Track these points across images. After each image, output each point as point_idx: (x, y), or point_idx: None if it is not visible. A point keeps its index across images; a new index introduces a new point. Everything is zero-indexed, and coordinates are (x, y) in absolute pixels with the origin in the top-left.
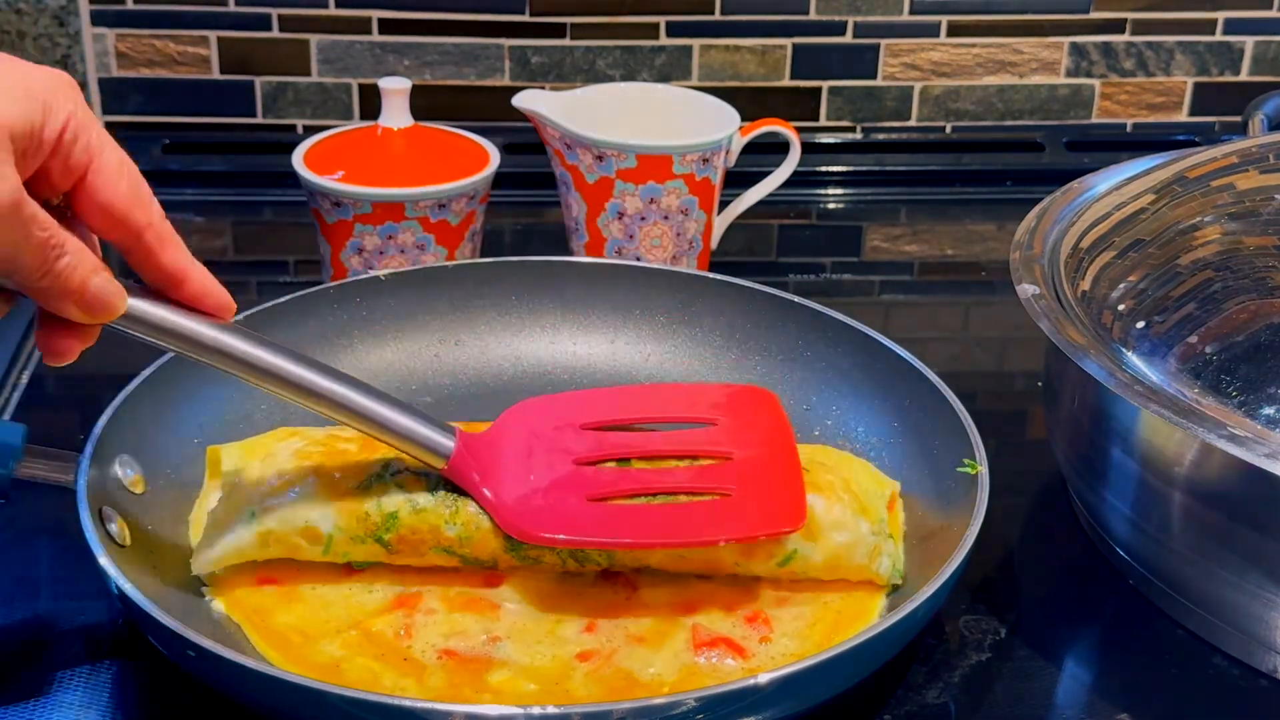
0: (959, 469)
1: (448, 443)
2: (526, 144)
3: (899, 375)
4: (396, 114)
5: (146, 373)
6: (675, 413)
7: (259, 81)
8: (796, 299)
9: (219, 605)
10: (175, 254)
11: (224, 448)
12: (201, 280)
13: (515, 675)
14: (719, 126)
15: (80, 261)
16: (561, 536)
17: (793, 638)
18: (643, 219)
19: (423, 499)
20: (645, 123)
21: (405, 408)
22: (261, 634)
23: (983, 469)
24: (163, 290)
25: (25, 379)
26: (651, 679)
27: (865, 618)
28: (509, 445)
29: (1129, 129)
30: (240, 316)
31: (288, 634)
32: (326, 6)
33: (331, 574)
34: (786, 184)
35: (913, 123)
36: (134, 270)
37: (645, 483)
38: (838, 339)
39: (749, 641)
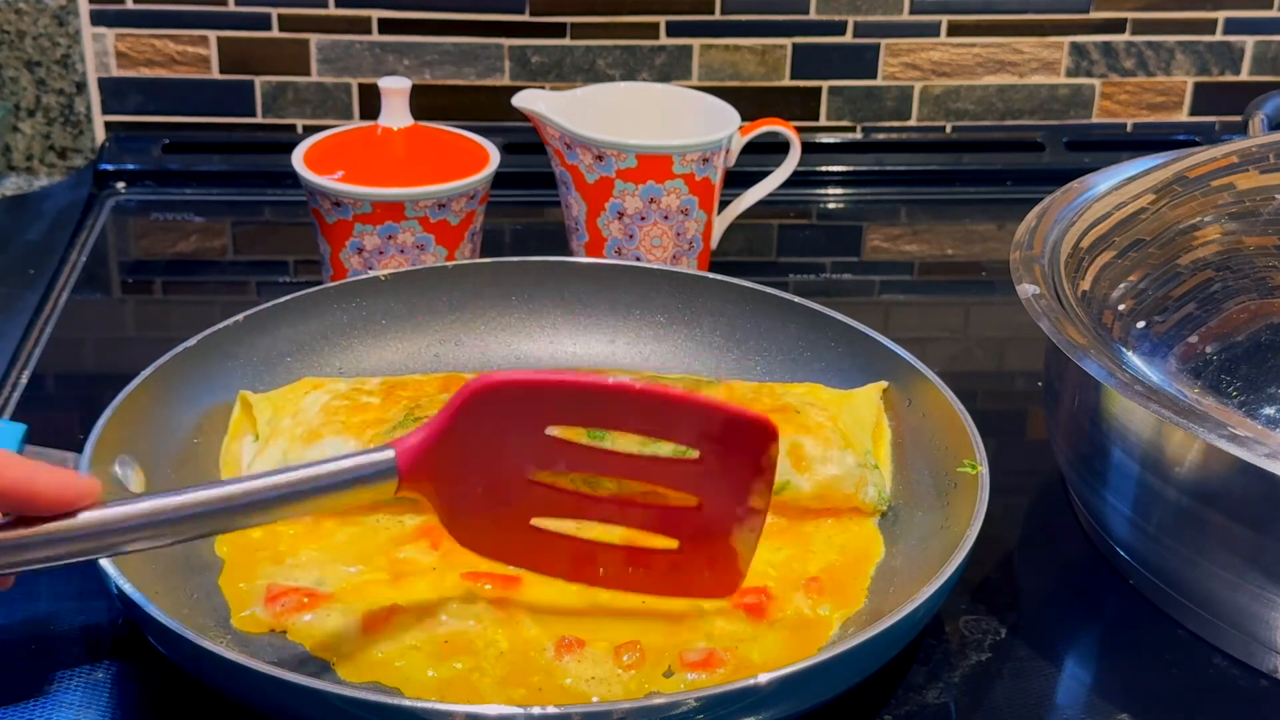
0: (959, 469)
1: (386, 457)
2: (526, 144)
3: (899, 375)
4: (396, 114)
5: (146, 373)
6: (660, 431)
7: (259, 81)
8: (796, 299)
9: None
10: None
11: (255, 399)
12: (51, 475)
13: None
14: (719, 126)
15: None
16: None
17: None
18: (643, 219)
19: None
20: (645, 123)
21: (321, 462)
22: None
23: (983, 469)
24: (18, 509)
25: (25, 379)
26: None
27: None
28: (461, 445)
29: (1129, 129)
30: (240, 316)
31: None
32: (326, 6)
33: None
34: (786, 184)
35: (913, 123)
36: None
37: (596, 515)
38: (838, 339)
39: None
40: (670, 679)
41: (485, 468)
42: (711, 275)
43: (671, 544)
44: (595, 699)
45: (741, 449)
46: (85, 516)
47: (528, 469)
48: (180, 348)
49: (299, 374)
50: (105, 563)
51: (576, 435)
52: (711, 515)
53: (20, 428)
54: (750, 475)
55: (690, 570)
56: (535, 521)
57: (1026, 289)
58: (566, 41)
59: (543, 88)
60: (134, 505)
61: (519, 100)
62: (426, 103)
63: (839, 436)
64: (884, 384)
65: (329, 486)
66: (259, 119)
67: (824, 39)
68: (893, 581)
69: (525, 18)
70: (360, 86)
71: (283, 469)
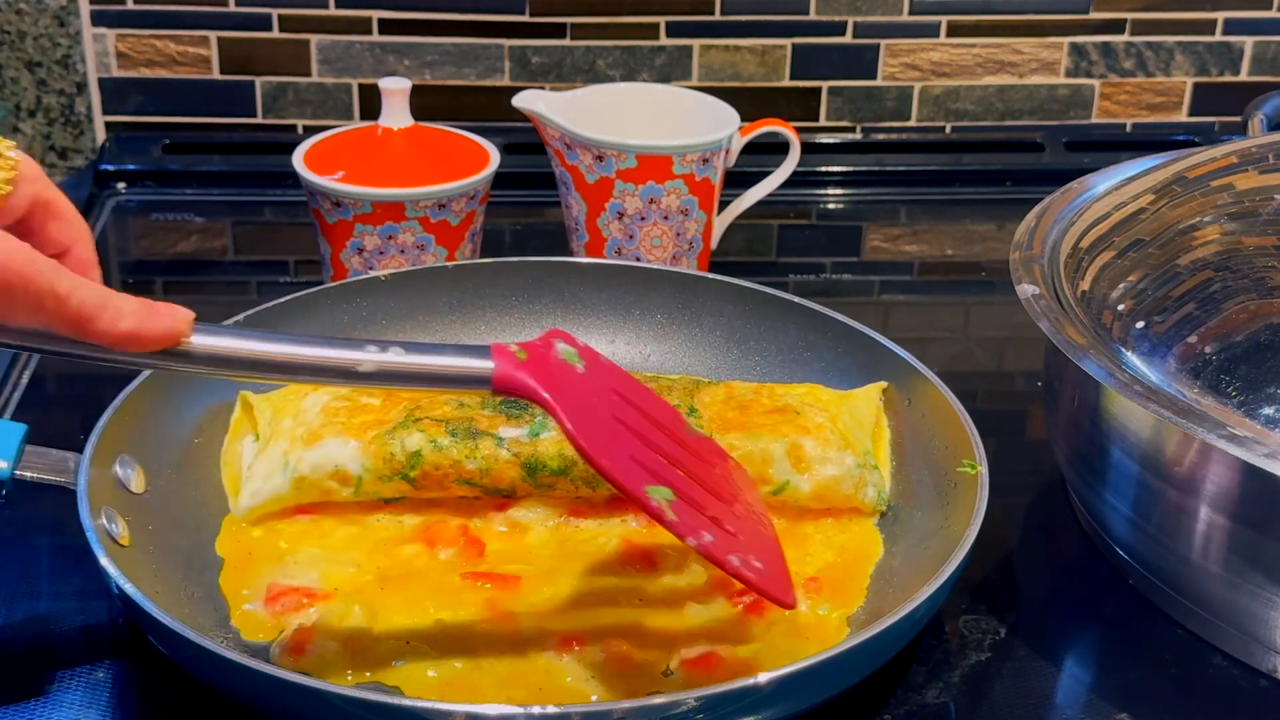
0: (959, 469)
1: (485, 364)
2: (526, 144)
3: (899, 375)
4: (396, 114)
5: (147, 373)
6: (683, 439)
7: (259, 81)
8: (796, 299)
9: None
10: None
11: (255, 399)
12: (138, 307)
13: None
14: (719, 126)
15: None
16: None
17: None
18: (643, 219)
19: (444, 440)
20: (645, 123)
21: (431, 349)
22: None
23: (983, 469)
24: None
25: (25, 379)
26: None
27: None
28: (565, 368)
29: (1129, 129)
30: (240, 316)
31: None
32: (326, 6)
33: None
34: (786, 184)
35: (913, 123)
36: None
37: (679, 489)
38: (838, 339)
39: None
40: (670, 678)
41: (579, 390)
42: (711, 275)
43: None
44: (594, 698)
45: (739, 476)
46: (197, 340)
47: (609, 412)
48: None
49: None
50: (105, 562)
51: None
52: (749, 518)
53: (20, 428)
54: (754, 496)
55: (758, 562)
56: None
57: (1026, 289)
58: (566, 42)
59: (543, 88)
60: (226, 340)
61: (519, 100)
62: (426, 103)
63: (838, 437)
64: (884, 384)
65: (429, 379)
66: (259, 119)
67: (824, 39)
68: (892, 581)
69: (525, 18)
70: (360, 87)
71: (396, 347)
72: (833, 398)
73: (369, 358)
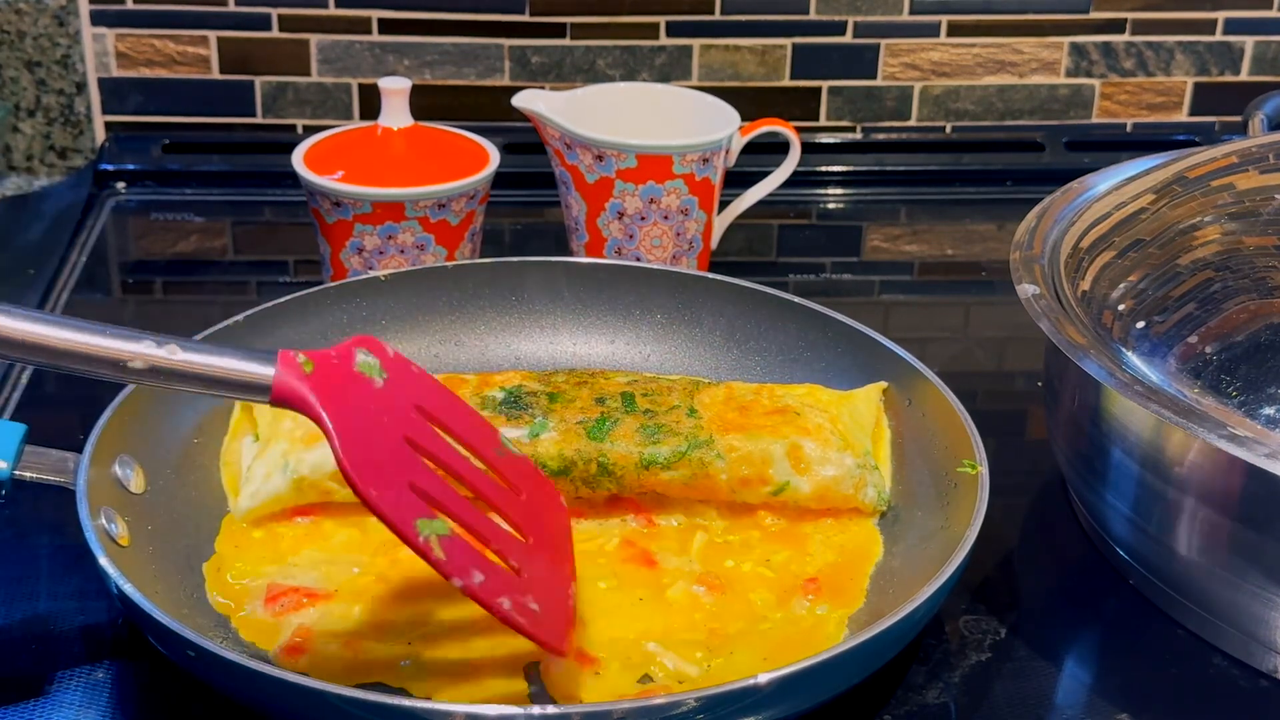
0: (959, 469)
1: (266, 370)
2: (526, 144)
3: (899, 375)
4: (396, 114)
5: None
6: (483, 445)
7: (259, 81)
8: (796, 299)
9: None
10: None
11: None
12: None
13: None
14: (719, 126)
15: None
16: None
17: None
18: (643, 219)
19: None
20: (645, 123)
21: (213, 349)
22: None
23: (983, 469)
24: None
25: (25, 379)
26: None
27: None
28: (358, 382)
29: (1129, 129)
30: (240, 316)
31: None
32: (326, 6)
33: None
34: (786, 184)
35: (913, 123)
36: None
37: (464, 519)
38: (838, 339)
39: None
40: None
41: (366, 408)
42: (711, 275)
43: (524, 540)
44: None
45: (542, 504)
46: None
47: (400, 432)
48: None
49: None
50: (105, 562)
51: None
52: (536, 553)
53: (20, 428)
54: (555, 528)
55: (536, 603)
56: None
57: (1026, 289)
58: (566, 42)
59: (543, 88)
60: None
61: (519, 100)
62: (426, 103)
63: (838, 438)
64: (884, 384)
65: (203, 381)
66: (259, 119)
67: (824, 39)
68: (892, 582)
69: (525, 18)
70: (360, 86)
71: (169, 340)
72: (833, 398)
73: (142, 352)
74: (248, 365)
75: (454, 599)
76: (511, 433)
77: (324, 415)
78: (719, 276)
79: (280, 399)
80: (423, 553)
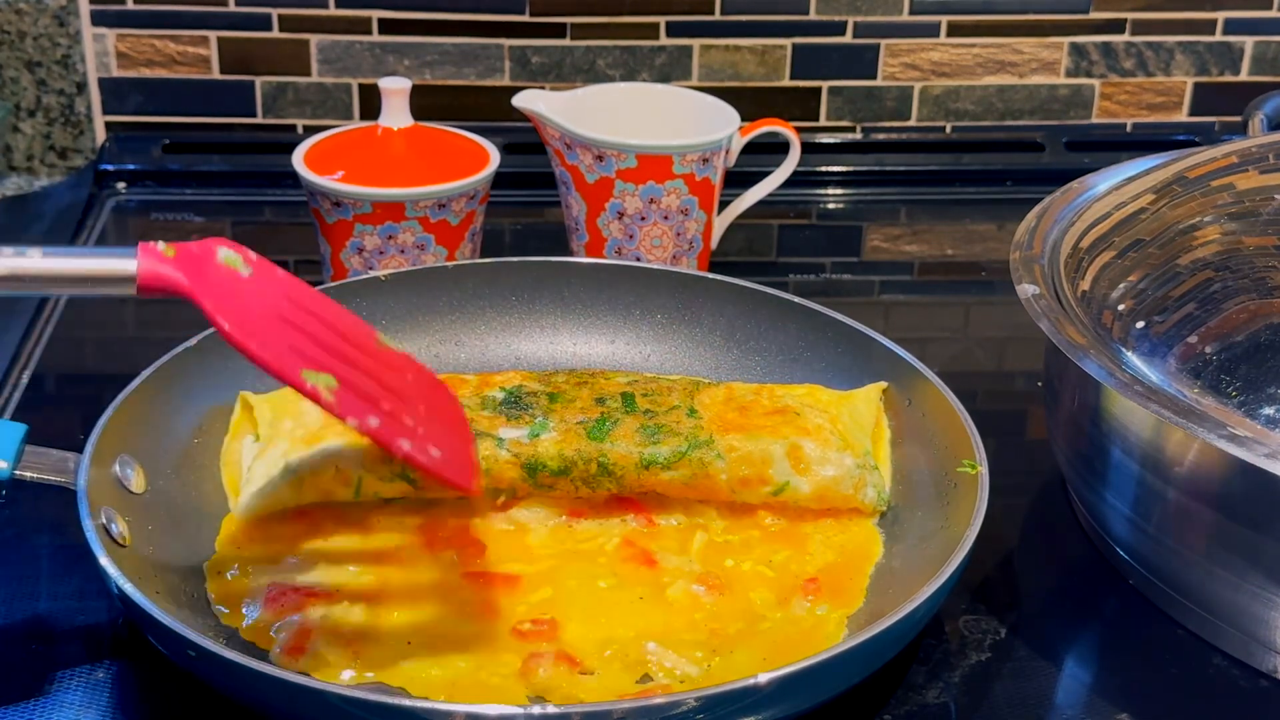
0: (958, 469)
1: (129, 262)
2: (526, 144)
3: (899, 375)
4: (396, 114)
5: (147, 373)
6: (371, 350)
7: (259, 81)
8: (796, 299)
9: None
10: None
11: (255, 400)
12: None
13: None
14: (719, 126)
15: None
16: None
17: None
18: (643, 219)
19: None
20: (645, 123)
21: (73, 251)
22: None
23: (983, 469)
24: None
25: (25, 379)
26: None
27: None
28: (224, 271)
29: (1129, 129)
30: None
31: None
32: (326, 6)
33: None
34: (786, 184)
35: (913, 123)
36: None
37: (350, 379)
38: (838, 339)
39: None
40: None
41: (237, 290)
42: (711, 275)
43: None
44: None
45: (431, 391)
46: None
47: (276, 313)
48: (181, 348)
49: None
50: (105, 562)
51: (511, 379)
52: (436, 415)
53: (20, 428)
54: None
55: (433, 438)
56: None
57: (1026, 289)
58: (566, 42)
59: (543, 88)
60: None
61: (519, 100)
62: (426, 103)
63: (838, 438)
64: (884, 385)
65: (68, 281)
66: (259, 119)
67: (824, 39)
68: (892, 582)
69: (525, 18)
70: (360, 86)
71: (34, 250)
72: (833, 398)
73: (4, 262)
74: (109, 262)
75: (454, 599)
76: (511, 433)
77: (191, 287)
78: (719, 277)
79: (148, 285)
80: (312, 396)
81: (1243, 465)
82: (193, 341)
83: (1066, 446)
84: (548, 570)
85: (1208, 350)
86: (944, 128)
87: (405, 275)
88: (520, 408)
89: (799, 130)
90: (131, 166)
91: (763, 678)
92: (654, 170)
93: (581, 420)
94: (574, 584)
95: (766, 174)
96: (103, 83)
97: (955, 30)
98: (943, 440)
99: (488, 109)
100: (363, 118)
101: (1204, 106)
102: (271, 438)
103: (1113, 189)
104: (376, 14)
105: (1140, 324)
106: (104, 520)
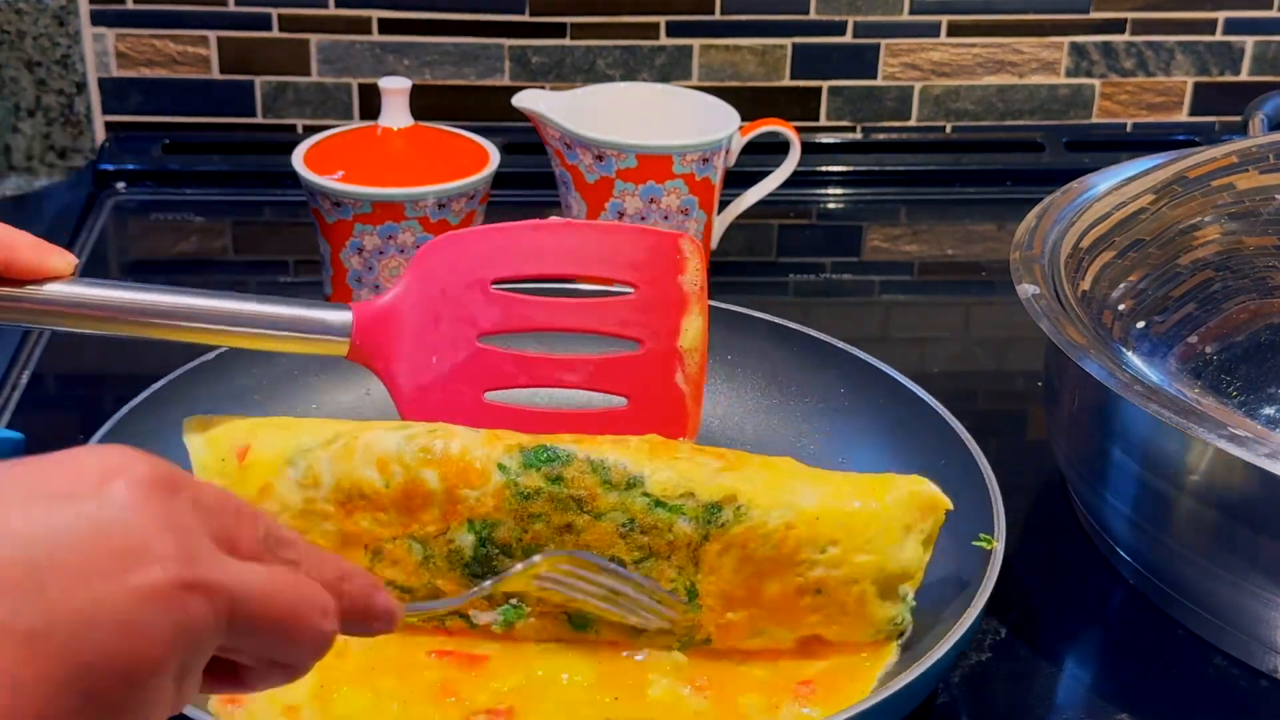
0: (974, 543)
1: (344, 316)
2: (526, 144)
3: (941, 439)
4: (396, 114)
5: (147, 393)
6: (593, 270)
7: (259, 81)
8: (840, 344)
9: None
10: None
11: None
12: (33, 244)
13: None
14: (719, 126)
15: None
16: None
17: None
18: (643, 219)
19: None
20: (645, 123)
21: (284, 300)
22: None
23: (999, 545)
24: None
25: (25, 380)
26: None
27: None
28: (417, 310)
29: (1129, 129)
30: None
31: None
32: (326, 6)
33: None
34: (786, 184)
35: (913, 123)
36: None
37: (543, 379)
38: (872, 388)
39: None
40: None
41: (438, 332)
42: (758, 314)
43: (619, 401)
44: None
45: (668, 266)
46: (50, 288)
47: (475, 329)
48: (195, 362)
49: (312, 387)
50: None
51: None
52: (652, 357)
53: (18, 438)
54: (677, 308)
55: (641, 422)
56: (489, 397)
57: (1026, 289)
58: (566, 41)
59: (543, 88)
60: (97, 289)
61: (519, 100)
62: (426, 103)
63: (869, 607)
64: (935, 495)
65: (281, 326)
66: (259, 119)
67: (824, 39)
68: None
69: (525, 18)
70: (360, 86)
71: (243, 297)
72: (880, 528)
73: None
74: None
75: (413, 679)
76: (485, 617)
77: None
78: (765, 316)
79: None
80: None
81: (1243, 465)
82: (209, 356)
83: (1066, 446)
84: (519, 654)
85: (1208, 350)
86: (944, 128)
87: None
88: (490, 569)
89: (799, 130)
90: (131, 166)
91: None
92: (654, 170)
93: (564, 604)
94: (545, 674)
95: (766, 174)
96: (102, 82)
97: (955, 30)
98: (966, 512)
99: (488, 109)
100: (363, 118)
101: (1204, 106)
102: None
103: (1113, 189)
104: (376, 14)
105: (1140, 324)
106: None
